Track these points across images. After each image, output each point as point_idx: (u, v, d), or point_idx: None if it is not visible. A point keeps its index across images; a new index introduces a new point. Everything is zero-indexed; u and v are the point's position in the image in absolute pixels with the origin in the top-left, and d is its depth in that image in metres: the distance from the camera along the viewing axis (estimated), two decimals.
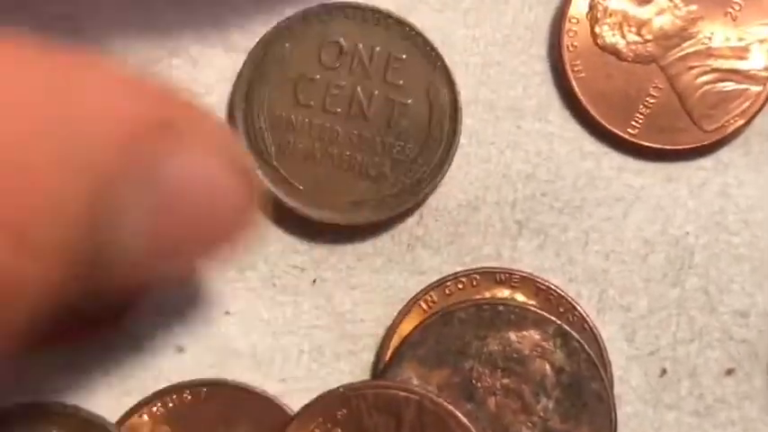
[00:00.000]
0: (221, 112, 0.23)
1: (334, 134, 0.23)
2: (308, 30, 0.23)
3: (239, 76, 0.23)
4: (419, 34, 0.23)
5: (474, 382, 0.22)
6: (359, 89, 0.23)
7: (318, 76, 0.23)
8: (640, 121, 0.23)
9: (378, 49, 0.23)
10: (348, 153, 0.23)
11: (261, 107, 0.23)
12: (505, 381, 0.22)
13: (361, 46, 0.23)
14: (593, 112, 0.23)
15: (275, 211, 0.23)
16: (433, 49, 0.23)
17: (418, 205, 0.23)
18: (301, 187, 0.22)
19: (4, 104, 0.13)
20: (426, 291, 0.22)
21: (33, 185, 0.13)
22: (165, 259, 0.16)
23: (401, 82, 0.23)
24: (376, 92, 0.23)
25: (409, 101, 0.23)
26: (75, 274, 0.13)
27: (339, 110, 0.23)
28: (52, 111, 0.13)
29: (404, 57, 0.23)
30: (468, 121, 0.23)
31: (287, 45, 0.23)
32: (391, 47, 0.23)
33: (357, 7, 0.23)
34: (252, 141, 0.23)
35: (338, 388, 0.21)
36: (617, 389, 0.22)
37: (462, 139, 0.23)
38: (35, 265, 0.13)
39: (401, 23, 0.23)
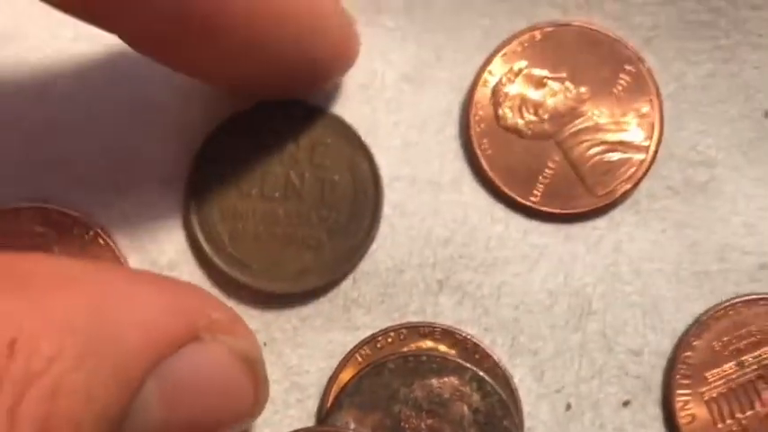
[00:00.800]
0: (176, 213, 0.25)
1: (275, 216, 0.25)
2: (240, 130, 0.25)
3: (188, 182, 0.26)
4: (339, 120, 0.26)
5: (403, 423, 0.24)
6: (292, 173, 0.25)
7: (255, 168, 0.25)
8: (541, 190, 0.25)
9: (303, 138, 0.25)
10: (290, 230, 0.25)
11: (210, 205, 0.25)
12: (430, 422, 0.24)
13: (289, 138, 0.26)
14: (499, 183, 0.25)
15: (232, 287, 0.25)
16: (352, 131, 0.26)
17: (353, 268, 0.25)
18: (254, 266, 0.25)
19: (55, 328, 0.15)
20: (361, 345, 0.25)
21: (59, 404, 0.14)
22: None
23: (327, 162, 0.25)
24: (306, 173, 0.25)
25: (336, 177, 0.25)
26: None
27: (276, 194, 0.25)
28: (94, 332, 0.15)
29: (328, 141, 0.25)
30: (392, 196, 0.26)
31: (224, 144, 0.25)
32: (316, 135, 0.25)
33: (285, 105, 0.26)
34: (207, 234, 0.25)
35: None
36: (528, 423, 0.25)
37: (388, 211, 0.26)
38: None
39: (323, 114, 0.26)
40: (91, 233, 0.25)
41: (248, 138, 0.25)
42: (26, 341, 0.14)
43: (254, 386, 0.19)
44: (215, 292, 0.25)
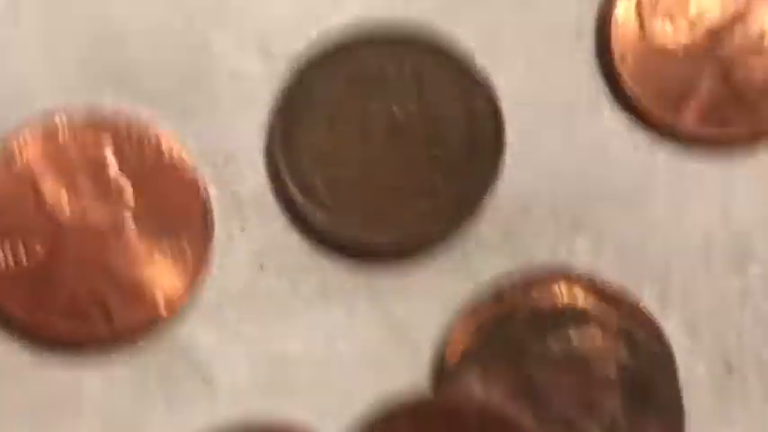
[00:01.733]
0: (257, 160, 0.22)
1: (378, 159, 0.22)
2: (332, 61, 0.22)
3: (272, 122, 0.22)
4: (447, 40, 0.22)
5: (536, 383, 0.21)
6: (396, 108, 0.22)
7: (352, 106, 0.22)
8: (694, 112, 0.22)
9: (406, 66, 0.22)
10: (397, 175, 0.22)
11: (300, 149, 0.22)
12: (568, 380, 0.21)
13: (390, 67, 0.22)
14: (645, 104, 0.22)
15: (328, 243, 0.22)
16: (464, 53, 0.22)
17: (473, 213, 0.22)
18: (357, 219, 0.22)
19: None
20: (482, 295, 0.22)
21: None
22: None
23: (436, 93, 0.22)
24: (413, 107, 0.22)
25: (447, 110, 0.22)
26: None
27: (379, 132, 0.22)
28: None
29: (435, 68, 0.22)
30: (516, 124, 0.22)
31: (313, 82, 0.22)
32: (420, 61, 0.22)
33: (382, 28, 0.22)
34: (298, 181, 0.22)
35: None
36: (683, 384, 0.22)
37: (512, 141, 0.22)
38: None
39: (427, 36, 0.22)
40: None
41: (341, 70, 0.22)
42: None
43: None
44: (302, 246, 0.22)
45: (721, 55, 0.22)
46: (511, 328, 0.21)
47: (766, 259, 0.22)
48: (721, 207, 0.23)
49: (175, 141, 0.21)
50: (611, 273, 0.22)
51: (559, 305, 0.21)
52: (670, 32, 0.22)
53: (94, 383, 0.21)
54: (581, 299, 0.22)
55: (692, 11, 0.22)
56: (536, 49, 0.23)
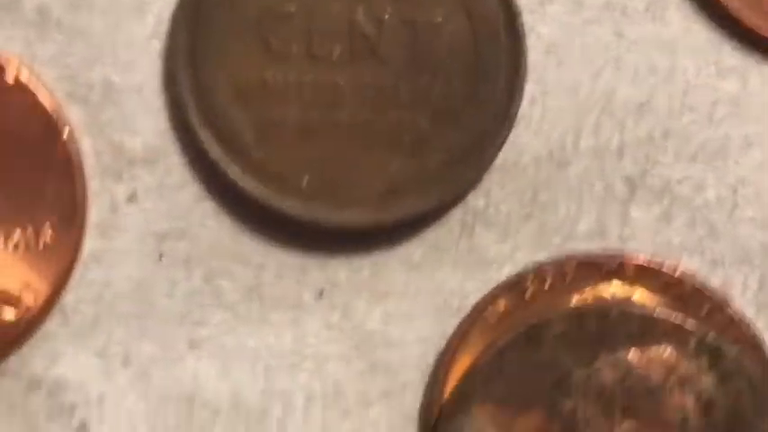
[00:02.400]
0: (153, 91, 0.18)
1: (335, 91, 0.18)
2: None
3: (173, 30, 0.18)
4: None
5: (581, 429, 0.16)
6: (360, 13, 0.17)
7: (294, 8, 0.17)
8: None
9: None
10: (364, 115, 0.18)
11: (215, 73, 0.18)
12: (629, 425, 0.16)
13: None
14: (732, 3, 0.17)
15: (264, 217, 0.18)
16: None
17: (479, 174, 0.17)
18: (304, 183, 0.18)
19: None
20: (495, 293, 0.17)
21: None
22: None
23: None
24: (386, 14, 0.17)
25: (439, 18, 0.17)
26: None
27: (337, 51, 0.18)
28: None
29: None
30: (542, 34, 0.17)
31: None
32: None
33: None
34: (216, 128, 0.17)
35: None
36: None
37: (536, 61, 0.17)
38: None
39: None
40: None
41: None
42: None
43: None
44: (234, 223, 0.18)
45: None
46: (537, 345, 0.16)
47: None
48: None
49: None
50: (686, 257, 0.17)
51: (613, 312, 0.16)
52: None
53: None
54: (640, 298, 0.17)
55: None
56: None
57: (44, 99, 0.17)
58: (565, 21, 0.18)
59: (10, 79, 0.17)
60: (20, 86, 0.17)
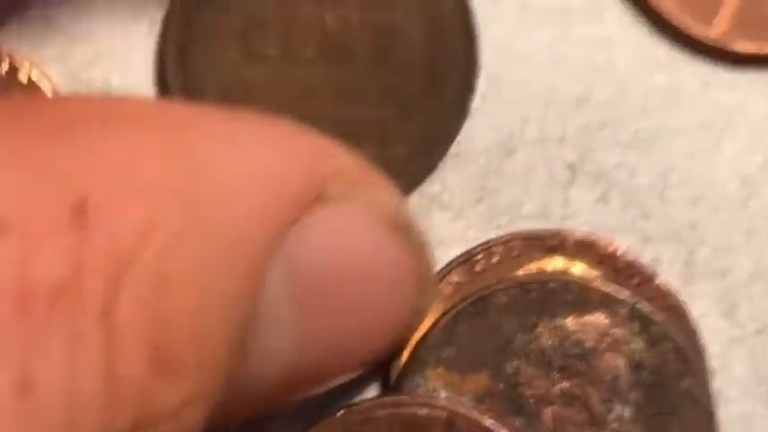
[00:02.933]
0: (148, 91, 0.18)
1: (308, 88, 0.18)
2: None
3: (163, 37, 0.18)
4: None
5: (522, 388, 0.17)
6: (329, 18, 0.18)
7: (271, 14, 0.18)
8: (728, 16, 0.18)
9: None
10: (334, 109, 0.18)
11: (204, 74, 0.18)
12: (565, 385, 0.17)
13: None
14: (663, 5, 0.18)
15: None
16: None
17: (436, 162, 0.18)
18: None
19: (136, 188, 0.11)
20: (450, 268, 0.18)
21: (170, 302, 0.11)
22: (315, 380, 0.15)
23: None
24: (354, 18, 0.18)
25: (400, 19, 0.18)
26: (215, 396, 0.12)
27: (308, 52, 0.18)
28: (190, 190, 0.12)
29: None
30: (493, 34, 0.18)
31: None
32: None
33: None
34: None
35: (337, 411, 0.17)
36: (716, 383, 0.17)
37: (488, 58, 0.18)
38: (175, 388, 0.11)
39: None
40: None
41: None
42: (97, 209, 0.11)
43: (415, 265, 0.15)
44: None
45: None
46: (485, 313, 0.17)
47: None
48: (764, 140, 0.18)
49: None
50: (621, 234, 0.18)
51: (553, 283, 0.17)
52: None
53: None
54: (579, 271, 0.18)
55: None
56: None
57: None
58: (513, 22, 0.18)
59: (24, 79, 0.18)
60: (32, 85, 0.18)
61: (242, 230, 0.12)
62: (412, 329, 0.16)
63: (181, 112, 0.13)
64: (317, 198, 0.13)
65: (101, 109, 0.13)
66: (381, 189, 0.15)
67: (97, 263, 0.11)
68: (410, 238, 0.15)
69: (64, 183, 0.11)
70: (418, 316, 0.16)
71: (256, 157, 0.13)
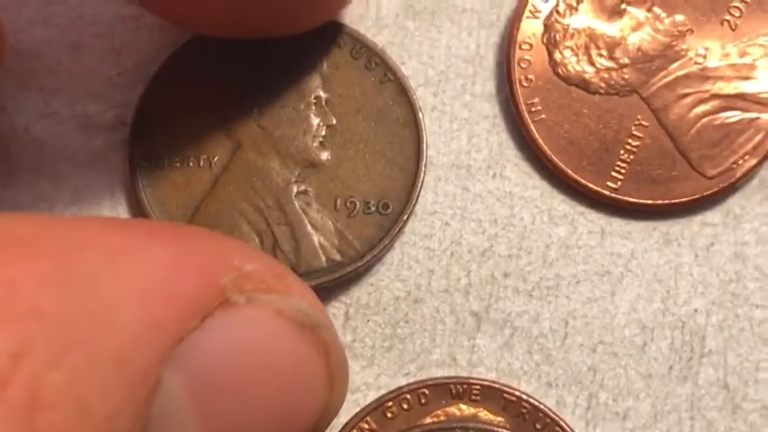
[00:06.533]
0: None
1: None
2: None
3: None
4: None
5: None
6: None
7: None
8: (623, 171, 0.18)
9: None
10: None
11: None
12: None
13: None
14: (560, 162, 0.18)
15: None
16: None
17: (343, 303, 0.18)
18: None
19: (10, 311, 0.11)
20: (362, 416, 0.18)
21: (42, 420, 0.11)
22: None
23: None
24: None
25: None
26: None
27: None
28: (71, 309, 0.12)
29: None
30: None
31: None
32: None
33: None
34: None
35: None
36: None
37: None
38: None
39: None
40: None
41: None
42: None
43: (325, 363, 0.15)
44: None
45: (649, 93, 0.17)
46: None
47: (721, 361, 0.18)
48: (662, 291, 0.18)
49: None
50: (525, 381, 0.18)
51: (457, 428, 0.17)
52: (588, 69, 0.17)
53: None
54: (485, 416, 0.18)
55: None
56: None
57: None
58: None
59: None
60: None
61: (128, 344, 0.12)
62: (323, 426, 0.16)
63: (73, 228, 0.14)
64: (220, 303, 0.13)
65: None
66: (289, 290, 0.15)
67: None
68: (320, 337, 0.15)
69: None
70: (330, 412, 0.16)
71: (148, 271, 0.13)
